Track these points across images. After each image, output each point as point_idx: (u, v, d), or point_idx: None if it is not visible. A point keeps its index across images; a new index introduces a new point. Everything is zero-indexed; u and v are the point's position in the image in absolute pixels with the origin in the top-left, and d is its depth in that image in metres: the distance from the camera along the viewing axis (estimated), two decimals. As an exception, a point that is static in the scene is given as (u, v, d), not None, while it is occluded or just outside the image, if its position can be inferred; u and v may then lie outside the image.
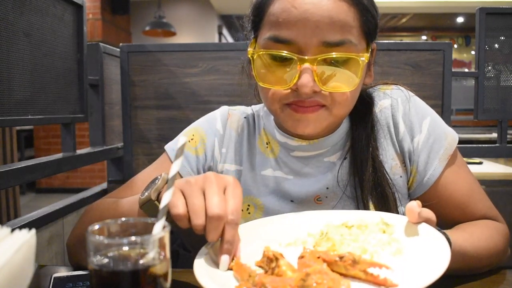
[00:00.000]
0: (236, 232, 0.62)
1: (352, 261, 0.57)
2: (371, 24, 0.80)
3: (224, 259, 0.61)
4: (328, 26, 0.74)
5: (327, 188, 0.88)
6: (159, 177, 0.70)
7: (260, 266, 0.63)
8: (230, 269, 0.62)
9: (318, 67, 0.75)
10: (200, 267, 0.60)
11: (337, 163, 0.89)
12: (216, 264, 0.63)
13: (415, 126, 0.88)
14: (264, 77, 0.80)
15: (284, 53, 0.76)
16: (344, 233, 0.68)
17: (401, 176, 0.88)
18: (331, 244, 0.66)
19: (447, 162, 0.86)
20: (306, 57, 0.74)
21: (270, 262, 0.61)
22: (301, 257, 0.62)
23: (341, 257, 0.58)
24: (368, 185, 0.84)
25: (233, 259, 0.63)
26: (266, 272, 0.61)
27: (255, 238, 0.71)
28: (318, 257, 0.60)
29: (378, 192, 0.85)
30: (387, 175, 0.86)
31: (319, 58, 0.74)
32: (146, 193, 0.68)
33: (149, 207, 0.68)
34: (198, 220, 0.59)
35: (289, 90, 0.78)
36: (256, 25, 0.84)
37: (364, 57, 0.76)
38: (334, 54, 0.75)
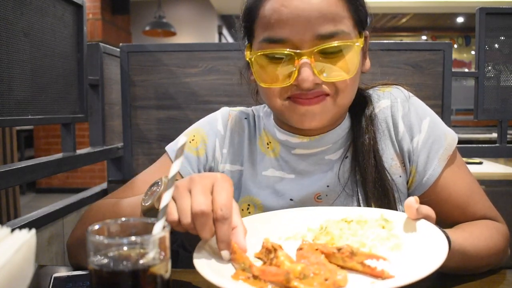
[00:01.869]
0: (228, 227, 0.59)
1: (350, 253, 0.58)
2: (361, 12, 0.82)
3: (224, 254, 0.60)
4: (319, 20, 0.76)
5: (328, 186, 0.88)
6: (159, 181, 0.69)
7: (259, 258, 0.64)
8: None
9: (316, 59, 0.77)
10: (200, 256, 0.61)
11: (337, 161, 0.90)
12: (214, 253, 0.63)
13: (415, 126, 0.88)
14: (264, 78, 0.81)
15: (282, 51, 0.77)
16: (343, 228, 0.69)
17: (400, 176, 0.89)
18: (329, 238, 0.67)
19: (447, 163, 0.86)
20: (302, 51, 0.76)
21: (269, 253, 0.61)
22: (300, 249, 0.63)
23: (339, 249, 0.59)
24: (369, 180, 0.84)
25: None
26: (264, 263, 0.61)
27: (255, 232, 0.71)
28: (317, 249, 0.61)
29: (378, 189, 0.85)
30: (387, 172, 0.87)
31: (315, 51, 0.76)
32: (150, 201, 0.67)
33: (153, 215, 0.65)
34: (186, 219, 0.59)
35: (290, 86, 0.79)
36: (249, 31, 0.85)
37: (359, 42, 0.79)
38: (329, 45, 0.76)
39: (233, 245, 0.60)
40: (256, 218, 0.77)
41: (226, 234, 0.59)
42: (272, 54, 0.79)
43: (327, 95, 0.80)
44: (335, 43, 0.77)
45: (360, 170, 0.87)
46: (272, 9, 0.78)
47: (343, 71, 0.79)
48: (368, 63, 0.89)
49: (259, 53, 0.80)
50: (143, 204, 0.68)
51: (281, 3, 0.77)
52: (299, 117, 0.81)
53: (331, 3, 0.77)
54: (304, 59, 0.76)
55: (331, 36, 0.77)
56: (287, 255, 0.59)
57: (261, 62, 0.81)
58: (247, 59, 0.83)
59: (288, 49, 0.77)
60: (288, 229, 0.74)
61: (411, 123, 0.88)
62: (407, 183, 0.90)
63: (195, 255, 0.61)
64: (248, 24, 0.85)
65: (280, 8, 0.77)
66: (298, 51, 0.76)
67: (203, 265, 0.57)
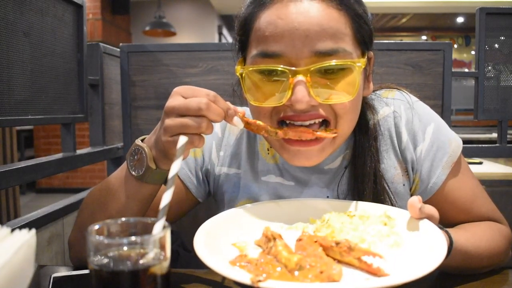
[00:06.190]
0: (222, 101, 0.69)
1: (347, 248, 0.58)
2: (365, 31, 0.76)
3: (236, 120, 0.70)
4: (318, 35, 0.70)
5: (327, 196, 0.88)
6: (139, 148, 0.72)
7: (258, 245, 0.65)
8: (246, 123, 0.73)
9: (312, 79, 0.70)
10: (200, 241, 0.61)
11: (337, 171, 0.88)
12: (213, 239, 0.64)
13: (418, 135, 0.85)
14: (255, 95, 0.76)
15: (275, 66, 0.71)
16: (345, 222, 0.69)
17: (404, 185, 0.87)
18: (330, 231, 0.67)
19: (451, 170, 0.85)
20: (298, 69, 0.70)
21: (268, 241, 0.62)
22: (299, 240, 0.63)
23: (337, 243, 0.59)
24: (368, 198, 0.82)
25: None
26: (263, 251, 0.62)
27: (259, 219, 0.72)
28: (316, 241, 0.61)
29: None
30: (387, 188, 0.84)
31: (312, 69, 0.70)
32: (143, 167, 0.71)
33: (153, 176, 0.72)
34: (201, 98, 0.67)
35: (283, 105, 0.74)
36: (243, 44, 0.80)
37: (361, 63, 0.72)
38: (327, 63, 0.70)
39: (240, 116, 0.71)
40: (262, 205, 0.77)
41: (224, 105, 0.68)
42: (264, 69, 0.73)
43: (324, 120, 0.74)
44: (334, 62, 0.70)
45: (358, 190, 0.84)
46: (268, 22, 0.72)
47: (342, 94, 0.72)
48: (371, 86, 0.83)
49: (251, 68, 0.74)
50: (135, 173, 0.72)
51: (278, 15, 0.71)
52: (291, 156, 0.76)
53: (332, 18, 0.71)
54: (300, 77, 0.70)
55: (330, 54, 0.70)
56: (285, 245, 0.60)
57: (253, 78, 0.75)
58: (238, 74, 0.77)
59: (282, 65, 0.71)
60: (291, 218, 0.75)
61: (415, 132, 0.86)
62: (410, 190, 0.89)
63: (195, 239, 0.61)
64: (242, 37, 0.79)
65: (276, 20, 0.71)
66: (293, 68, 0.70)
67: (203, 250, 0.58)
